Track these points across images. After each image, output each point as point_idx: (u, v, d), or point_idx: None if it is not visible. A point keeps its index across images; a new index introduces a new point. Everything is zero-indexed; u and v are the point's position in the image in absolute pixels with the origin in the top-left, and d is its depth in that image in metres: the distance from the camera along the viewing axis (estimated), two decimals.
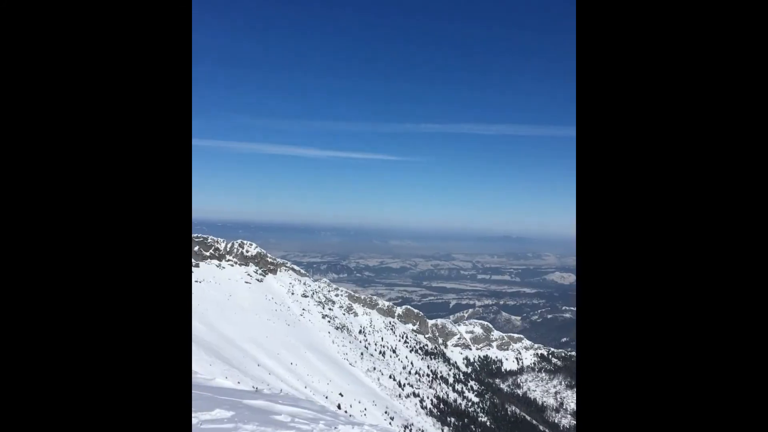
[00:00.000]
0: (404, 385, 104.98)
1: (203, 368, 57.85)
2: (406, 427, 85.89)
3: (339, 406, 59.85)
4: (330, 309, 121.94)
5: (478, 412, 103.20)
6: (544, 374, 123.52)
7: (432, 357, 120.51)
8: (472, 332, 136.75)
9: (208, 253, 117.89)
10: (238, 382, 8.91)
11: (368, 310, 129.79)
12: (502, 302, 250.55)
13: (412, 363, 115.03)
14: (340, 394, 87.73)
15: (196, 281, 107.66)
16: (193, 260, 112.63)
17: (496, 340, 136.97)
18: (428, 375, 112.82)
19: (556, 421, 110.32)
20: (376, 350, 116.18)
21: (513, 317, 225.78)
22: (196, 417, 6.20)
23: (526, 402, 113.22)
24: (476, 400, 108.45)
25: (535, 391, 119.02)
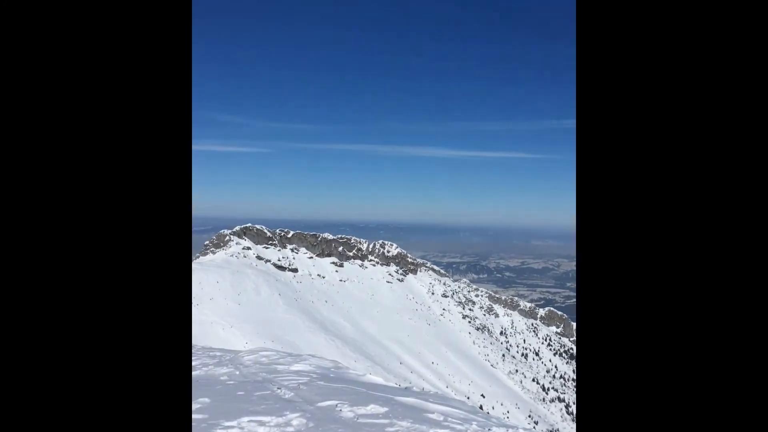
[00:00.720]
0: (548, 389, 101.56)
1: (349, 364, 59.96)
2: None
3: (481, 407, 59.21)
4: (470, 309, 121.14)
5: None
6: None
7: None
8: None
9: (351, 254, 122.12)
10: (382, 378, 9.11)
11: (509, 311, 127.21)
12: None
13: (556, 366, 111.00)
14: (482, 395, 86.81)
15: (341, 280, 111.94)
16: (336, 260, 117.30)
17: None
18: (574, 380, 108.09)
19: None
20: (518, 352, 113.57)
21: None
22: (352, 411, 6.38)
23: None
24: None
25: None
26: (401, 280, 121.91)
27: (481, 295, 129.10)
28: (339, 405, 6.60)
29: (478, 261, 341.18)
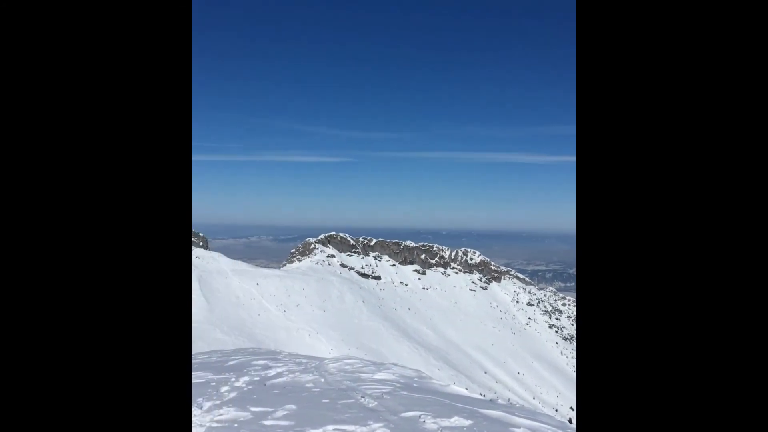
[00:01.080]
0: None
1: (433, 372, 59.66)
2: None
3: (570, 421, 57.19)
4: (557, 318, 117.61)
5: None
6: None
7: None
8: None
9: (433, 261, 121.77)
10: (466, 388, 9.07)
11: None
12: None
13: None
14: (571, 408, 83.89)
15: (423, 288, 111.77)
16: (419, 267, 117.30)
17: None
18: None
19: None
20: None
21: None
22: (436, 423, 6.31)
23: None
24: None
25: None
26: (485, 288, 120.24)
27: (569, 304, 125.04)
28: (422, 416, 6.55)
29: (565, 269, 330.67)
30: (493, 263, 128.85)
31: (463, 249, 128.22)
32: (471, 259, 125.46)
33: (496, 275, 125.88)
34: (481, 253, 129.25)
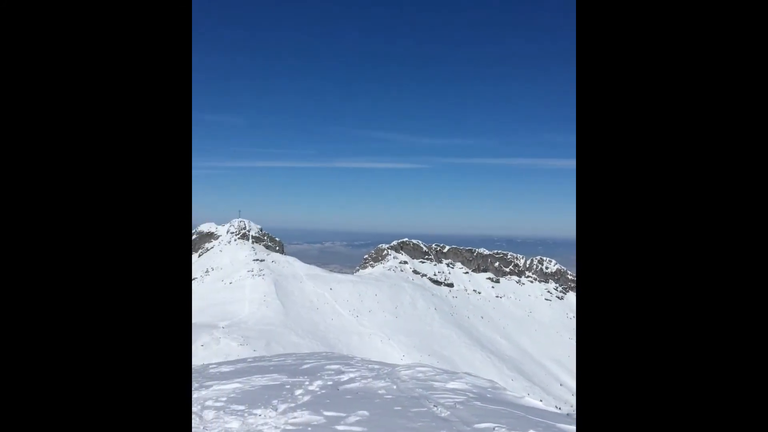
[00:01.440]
0: None
1: (506, 383, 58.54)
2: None
3: None
4: None
5: None
6: None
7: None
8: None
9: (507, 269, 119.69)
10: (541, 400, 8.84)
11: None
12: None
13: None
14: None
15: (497, 296, 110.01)
16: (492, 275, 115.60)
17: None
18: None
19: None
20: None
21: None
22: None
23: None
24: None
25: None
26: (561, 298, 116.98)
27: None
28: (496, 428, 6.41)
29: None
30: (569, 272, 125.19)
31: (538, 257, 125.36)
32: (547, 267, 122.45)
33: (573, 285, 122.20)
34: (558, 261, 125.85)
